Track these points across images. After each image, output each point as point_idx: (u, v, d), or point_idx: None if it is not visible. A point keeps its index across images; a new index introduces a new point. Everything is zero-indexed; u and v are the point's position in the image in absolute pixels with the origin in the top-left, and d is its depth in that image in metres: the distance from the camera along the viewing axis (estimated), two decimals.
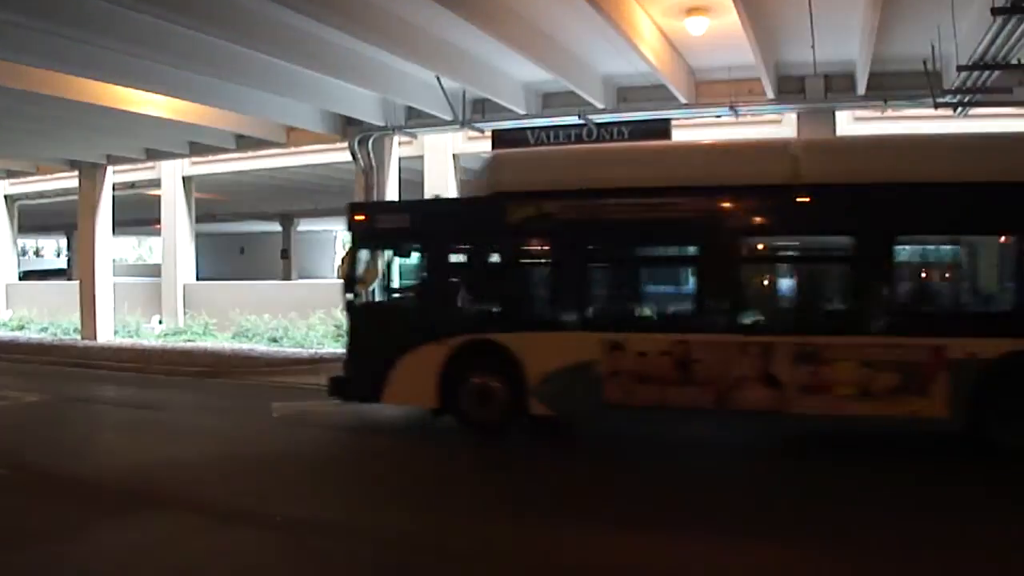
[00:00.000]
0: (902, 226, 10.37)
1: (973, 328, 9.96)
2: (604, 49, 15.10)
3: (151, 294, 29.63)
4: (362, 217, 12.90)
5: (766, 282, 11.64)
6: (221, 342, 25.16)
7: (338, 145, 21.59)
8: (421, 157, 22.99)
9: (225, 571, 6.89)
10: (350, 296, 12.57)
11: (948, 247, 10.92)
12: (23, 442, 11.95)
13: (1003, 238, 10.45)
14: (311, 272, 48.33)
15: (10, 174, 30.13)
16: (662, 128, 17.69)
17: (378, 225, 12.72)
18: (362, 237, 12.72)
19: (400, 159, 21.35)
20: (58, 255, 71.12)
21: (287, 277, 42.99)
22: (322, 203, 36.16)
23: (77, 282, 28.50)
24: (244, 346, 24.08)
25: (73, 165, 26.90)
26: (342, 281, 12.63)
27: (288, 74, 16.08)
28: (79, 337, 26.83)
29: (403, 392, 12.10)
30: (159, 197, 29.39)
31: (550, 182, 11.68)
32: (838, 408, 10.20)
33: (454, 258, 12.76)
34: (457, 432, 11.91)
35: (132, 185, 29.72)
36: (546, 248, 12.17)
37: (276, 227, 46.65)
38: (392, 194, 20.75)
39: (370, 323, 12.64)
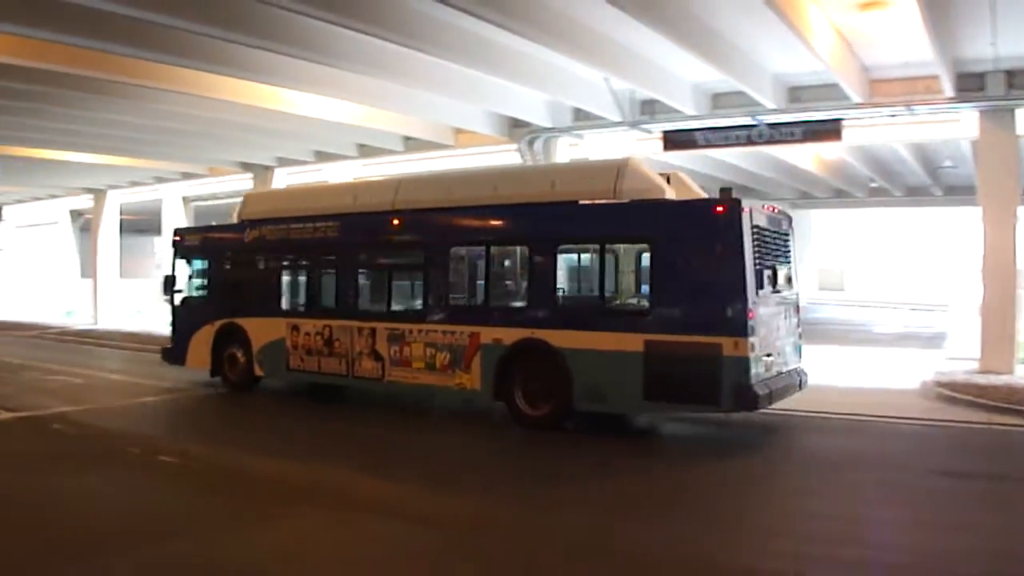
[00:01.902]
0: (453, 240, 13.89)
1: (499, 320, 13.05)
2: (775, 47, 15.22)
3: None
4: (176, 237, 18.29)
5: (372, 282, 15.37)
6: None
7: (505, 147, 22.17)
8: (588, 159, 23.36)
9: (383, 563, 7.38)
10: (167, 294, 17.65)
11: (483, 256, 13.65)
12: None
13: (519, 249, 13.55)
14: None
15: (185, 176, 32.20)
16: (833, 129, 17.64)
17: (184, 243, 17.96)
18: (175, 251, 17.95)
19: (569, 160, 21.55)
20: None
21: None
22: None
23: None
24: None
25: (245, 167, 28.64)
26: (163, 282, 17.75)
27: (456, 76, 16.76)
28: None
29: (195, 359, 17.04)
30: None
31: (268, 212, 16.49)
32: (414, 378, 13.86)
33: (221, 265, 17.29)
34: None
35: None
36: (262, 257, 16.48)
37: None
38: None
39: (178, 311, 17.69)
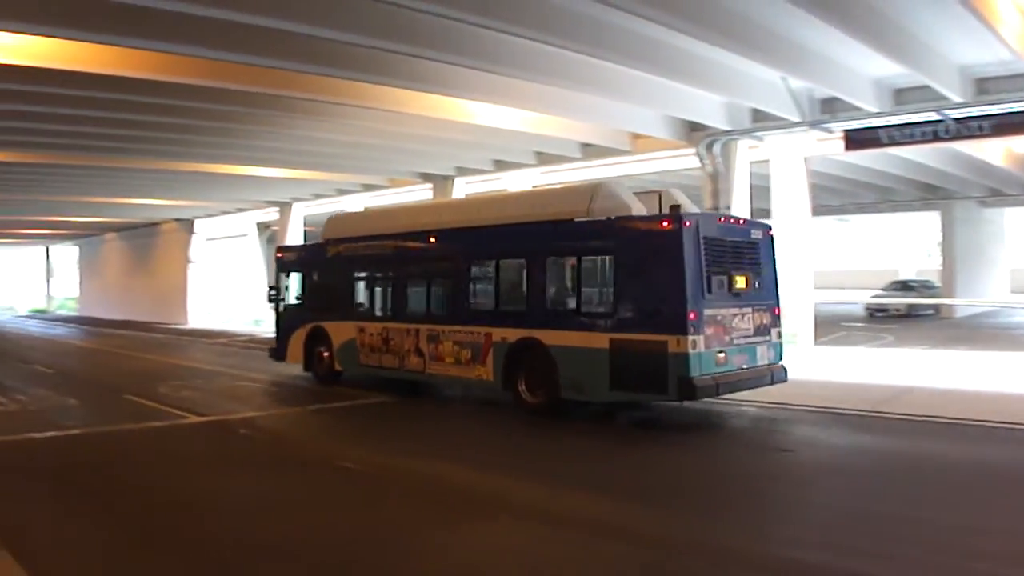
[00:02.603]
0: (470, 253, 16.67)
1: (505, 322, 15.51)
2: (960, 37, 14.88)
3: None
4: (278, 254, 22.32)
5: (416, 290, 17.83)
6: None
7: (684, 151, 22.25)
8: (767, 161, 23.30)
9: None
10: (271, 302, 21.18)
11: (493, 267, 16.34)
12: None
13: (518, 261, 15.90)
14: None
15: (366, 187, 33.44)
16: None
17: (284, 258, 21.69)
18: (278, 265, 21.50)
19: (749, 163, 21.74)
20: None
21: None
22: None
23: None
24: None
25: (425, 178, 29.58)
26: (268, 292, 21.40)
27: (633, 80, 17.01)
28: None
29: (293, 357, 20.34)
30: None
31: (343, 232, 19.93)
32: (447, 371, 16.56)
33: (310, 277, 20.60)
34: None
35: None
36: (338, 270, 19.59)
37: None
38: (741, 200, 21.22)
39: (280, 317, 21.03)
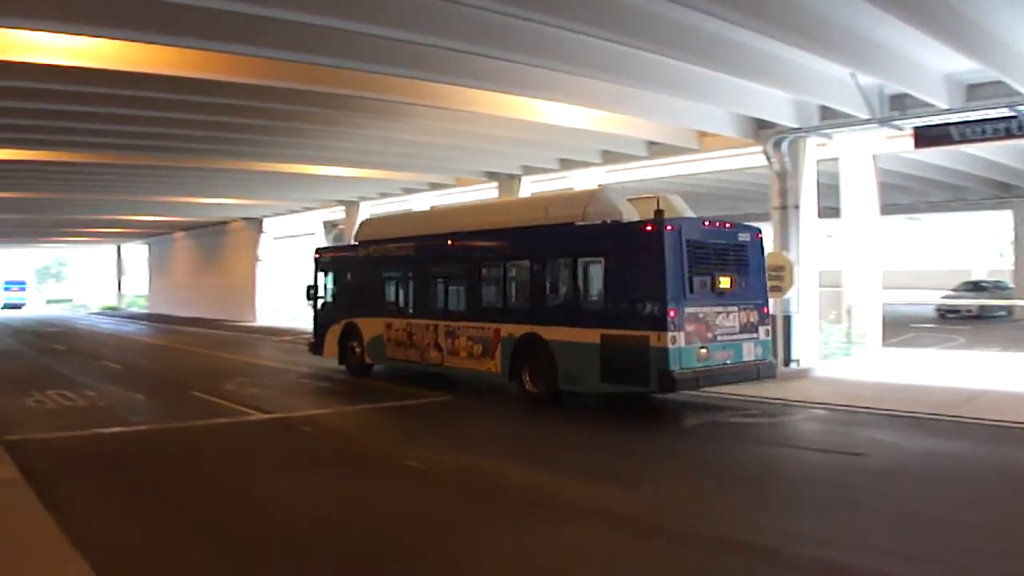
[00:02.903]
0: (479, 255, 18.38)
1: (511, 319, 17.08)
2: None
3: None
4: (316, 254, 23.91)
5: (434, 289, 19.69)
6: None
7: (751, 149, 22.16)
8: (836, 159, 23.14)
9: None
10: (309, 300, 23.36)
11: (500, 268, 17.97)
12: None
13: (522, 262, 17.35)
14: None
15: (432, 186, 33.69)
16: None
17: (321, 259, 23.57)
18: (316, 266, 23.33)
19: (817, 161, 21.44)
20: None
21: None
22: (738, 209, 36.88)
23: None
24: None
25: (491, 177, 29.78)
26: (306, 291, 23.36)
27: (699, 78, 16.93)
28: None
29: (328, 351, 22.29)
30: None
31: (373, 235, 22.12)
32: (461, 364, 18.18)
33: (344, 276, 22.83)
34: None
35: None
36: (368, 270, 21.56)
37: None
38: (809, 199, 21.01)
39: (318, 313, 23.21)
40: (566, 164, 27.23)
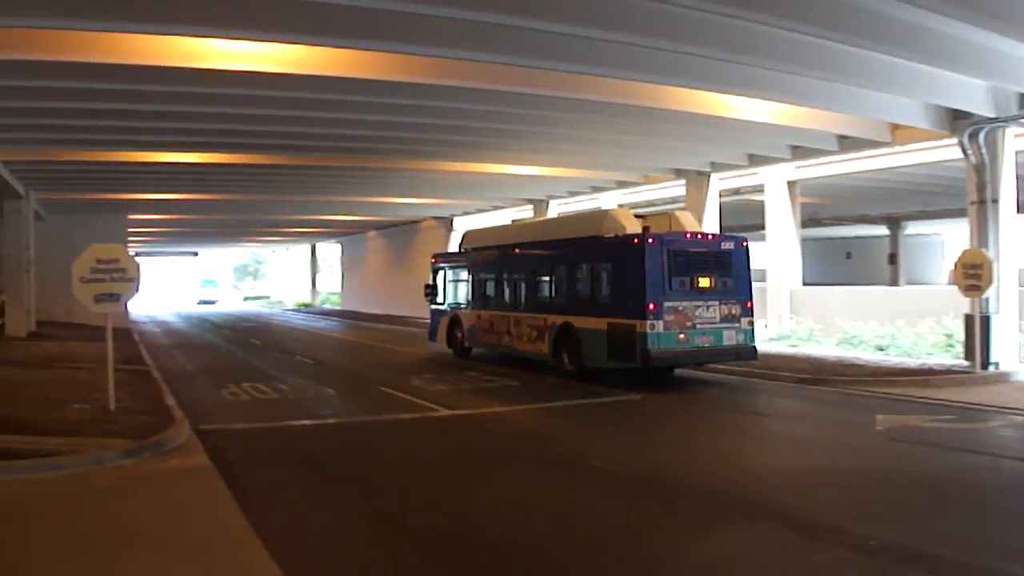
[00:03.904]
0: (531, 260, 23.32)
1: (554, 310, 21.69)
2: None
3: (757, 299, 30.97)
4: (432, 259, 29.54)
5: (506, 288, 24.71)
6: (824, 348, 26.10)
7: (947, 142, 21.72)
8: None
9: None
10: (427, 296, 28.67)
11: (548, 272, 22.67)
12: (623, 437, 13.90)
13: (583, 267, 21.21)
14: (919, 278, 48.18)
15: (620, 184, 34.07)
16: None
17: (436, 263, 28.97)
18: (432, 268, 28.86)
19: (1016, 152, 20.85)
20: None
21: (894, 283, 43.29)
22: (931, 204, 36.04)
23: None
24: (848, 353, 24.67)
25: (679, 174, 29.87)
26: (424, 288, 29.15)
27: (890, 68, 16.59)
28: None
29: (440, 339, 27.71)
30: (762, 202, 31.54)
31: (472, 243, 27.30)
32: (523, 347, 23.05)
33: (451, 277, 27.75)
34: None
35: (736, 191, 32.17)
36: (466, 272, 26.73)
37: (882, 231, 47.25)
38: (1008, 191, 20.47)
39: (434, 308, 28.46)
40: (755, 160, 27.11)
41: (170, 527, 8.61)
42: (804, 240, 32.17)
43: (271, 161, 27.60)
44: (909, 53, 15.56)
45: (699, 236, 20.29)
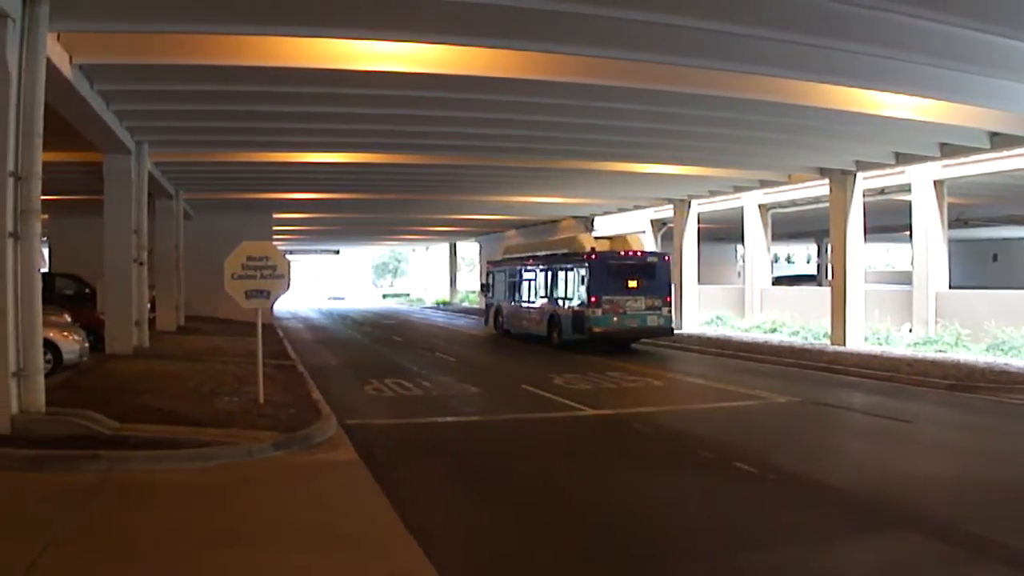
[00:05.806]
0: (536, 268, 35.03)
1: (549, 303, 33.11)
2: None
3: (901, 302, 31.23)
4: (487, 264, 43.45)
5: (523, 288, 36.09)
6: (974, 354, 25.58)
7: None
8: None
9: None
10: (483, 292, 42.73)
11: (545, 276, 33.86)
12: (774, 443, 13.65)
13: (561, 273, 32.41)
14: None
15: (763, 184, 33.99)
16: None
17: (488, 267, 42.04)
18: (486, 271, 42.68)
19: None
20: (808, 261, 76.11)
21: None
22: None
23: (827, 288, 31.45)
24: (999, 360, 24.15)
25: (823, 173, 29.59)
26: (479, 286, 49.90)
27: None
28: (828, 342, 29.70)
29: (489, 324, 39.64)
30: (908, 202, 30.97)
31: (509, 252, 41.29)
32: (533, 329, 34.06)
33: (497, 278, 39.18)
34: None
35: (881, 191, 31.73)
36: (504, 274, 38.40)
37: None
38: None
39: (487, 302, 40.98)
40: (901, 158, 26.53)
41: (322, 520, 8.87)
42: (948, 241, 31.34)
43: (414, 161, 28.24)
44: None
45: (631, 252, 30.80)
